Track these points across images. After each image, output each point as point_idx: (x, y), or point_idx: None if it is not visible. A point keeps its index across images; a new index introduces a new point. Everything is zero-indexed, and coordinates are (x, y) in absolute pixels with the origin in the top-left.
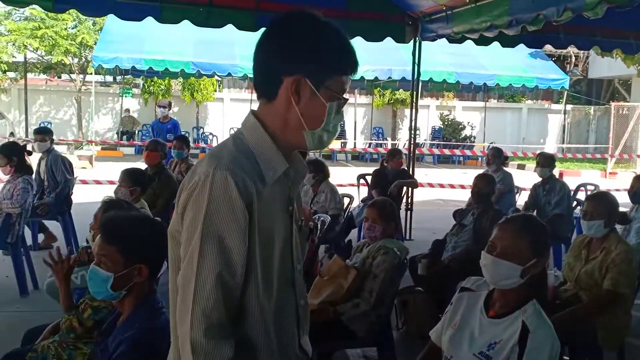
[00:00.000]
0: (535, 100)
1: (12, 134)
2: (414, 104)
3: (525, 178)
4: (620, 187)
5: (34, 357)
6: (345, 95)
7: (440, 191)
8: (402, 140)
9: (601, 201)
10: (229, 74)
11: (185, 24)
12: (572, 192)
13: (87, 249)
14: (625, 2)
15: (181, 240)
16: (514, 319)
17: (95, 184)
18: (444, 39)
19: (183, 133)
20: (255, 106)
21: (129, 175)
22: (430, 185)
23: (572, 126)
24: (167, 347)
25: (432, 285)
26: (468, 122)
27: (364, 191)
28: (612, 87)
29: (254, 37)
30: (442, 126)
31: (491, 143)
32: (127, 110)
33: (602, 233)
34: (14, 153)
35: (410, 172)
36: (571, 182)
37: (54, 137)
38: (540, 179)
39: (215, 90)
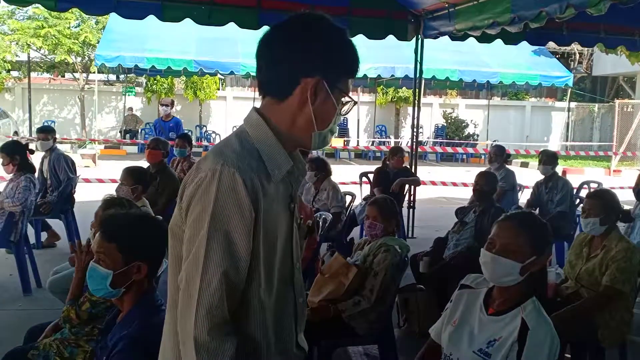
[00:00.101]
0: (538, 98)
1: (16, 132)
2: (416, 101)
3: (529, 176)
4: (625, 185)
5: (36, 354)
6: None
7: (443, 189)
8: (405, 138)
9: (598, 199)
10: (232, 73)
11: (188, 22)
12: (575, 190)
13: None
14: None
15: (184, 237)
16: (513, 316)
17: (98, 182)
18: (447, 37)
19: (185, 131)
20: (258, 104)
21: (131, 174)
22: (433, 183)
23: (576, 124)
24: None
25: (433, 283)
26: (471, 120)
27: (366, 189)
28: (617, 85)
29: (257, 35)
30: (445, 124)
31: (494, 141)
32: (130, 108)
33: (599, 231)
34: (16, 152)
35: (413, 170)
36: (575, 180)
37: (57, 135)
38: (542, 177)
39: (218, 89)
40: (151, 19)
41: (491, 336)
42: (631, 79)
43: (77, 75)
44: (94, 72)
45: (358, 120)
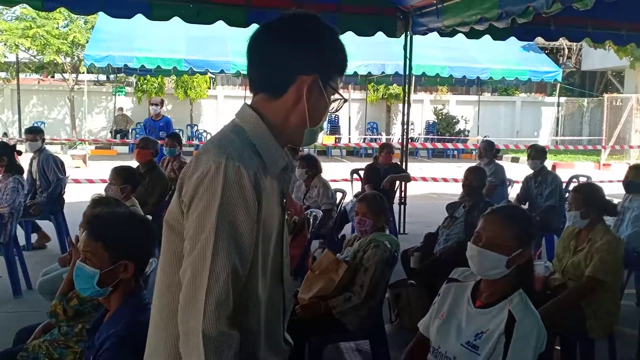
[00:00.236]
0: (528, 93)
1: (5, 134)
2: (406, 98)
3: (519, 171)
4: (614, 179)
5: (25, 356)
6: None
7: (435, 185)
8: (397, 135)
9: (578, 193)
10: (222, 71)
11: (177, 21)
12: (564, 184)
13: None
14: None
15: (185, 231)
16: (500, 308)
17: (88, 183)
18: (436, 33)
19: (176, 131)
20: (249, 102)
21: (119, 173)
22: (424, 179)
23: (566, 118)
24: None
25: (424, 278)
26: (462, 116)
27: (357, 186)
28: (605, 79)
29: (247, 33)
30: (436, 120)
31: (485, 136)
32: (121, 108)
33: (582, 224)
34: (3, 153)
35: (404, 167)
36: (565, 174)
37: (47, 136)
38: (532, 171)
39: (209, 88)
40: (140, 18)
41: (479, 329)
42: (619, 74)
43: (66, 75)
44: (83, 73)
45: (349, 117)
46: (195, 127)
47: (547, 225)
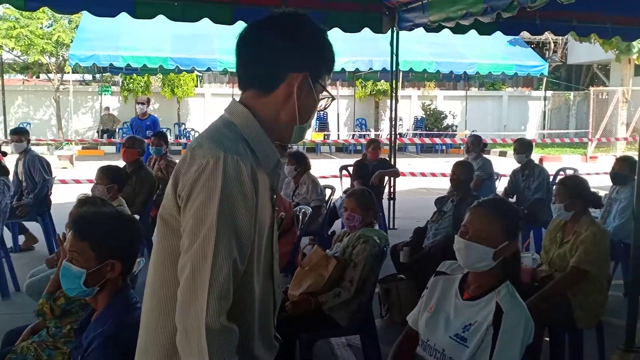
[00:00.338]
0: (515, 88)
1: None
2: (393, 94)
3: (507, 165)
4: (600, 171)
5: (13, 358)
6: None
7: (423, 180)
8: (385, 131)
9: (562, 186)
10: (209, 69)
11: (162, 19)
12: (551, 177)
13: None
14: None
15: (183, 226)
16: (488, 300)
17: (75, 183)
18: (422, 29)
19: (163, 129)
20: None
21: (106, 173)
22: (413, 174)
23: (553, 112)
24: None
25: (414, 272)
26: (450, 111)
27: (346, 182)
28: (591, 73)
29: (233, 30)
30: (424, 116)
31: (473, 131)
32: (107, 108)
33: (567, 216)
34: None
35: (393, 162)
36: (552, 168)
37: (33, 137)
38: (519, 165)
39: (196, 86)
40: (124, 16)
41: (467, 321)
42: (605, 67)
43: (51, 75)
44: (68, 72)
45: (338, 114)
46: (183, 125)
47: (534, 218)
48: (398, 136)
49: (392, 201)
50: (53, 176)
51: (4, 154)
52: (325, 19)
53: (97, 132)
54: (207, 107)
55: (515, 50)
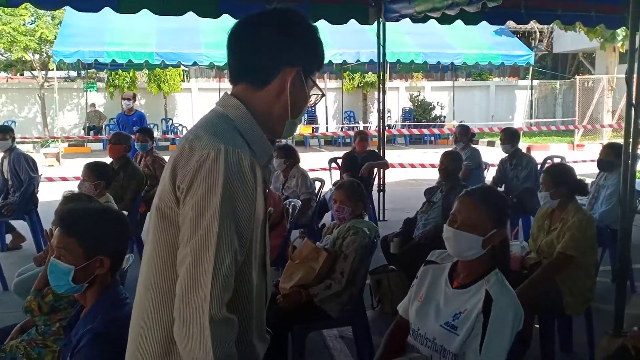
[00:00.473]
0: (502, 78)
1: None
2: (381, 85)
3: (495, 154)
4: (587, 159)
5: (2, 357)
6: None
7: (413, 171)
8: (374, 123)
9: (547, 174)
10: (195, 63)
11: (146, 13)
12: (539, 166)
13: None
14: None
15: (183, 217)
16: (477, 288)
17: (61, 181)
18: (408, 19)
19: (149, 125)
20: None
21: (92, 169)
22: (402, 165)
23: (539, 101)
24: None
25: (404, 263)
26: (437, 102)
27: (336, 175)
28: (577, 61)
29: (219, 24)
30: (412, 107)
31: (461, 121)
32: (93, 105)
33: (553, 204)
34: None
35: (381, 154)
36: (540, 156)
37: (18, 135)
38: (507, 155)
39: (183, 81)
40: (108, 11)
41: (457, 309)
42: (590, 55)
43: (35, 73)
44: (52, 69)
45: (326, 107)
46: (170, 121)
47: (523, 206)
48: (387, 128)
49: (381, 193)
50: (39, 174)
51: None
52: (312, 10)
53: (84, 129)
54: (194, 102)
55: (502, 40)
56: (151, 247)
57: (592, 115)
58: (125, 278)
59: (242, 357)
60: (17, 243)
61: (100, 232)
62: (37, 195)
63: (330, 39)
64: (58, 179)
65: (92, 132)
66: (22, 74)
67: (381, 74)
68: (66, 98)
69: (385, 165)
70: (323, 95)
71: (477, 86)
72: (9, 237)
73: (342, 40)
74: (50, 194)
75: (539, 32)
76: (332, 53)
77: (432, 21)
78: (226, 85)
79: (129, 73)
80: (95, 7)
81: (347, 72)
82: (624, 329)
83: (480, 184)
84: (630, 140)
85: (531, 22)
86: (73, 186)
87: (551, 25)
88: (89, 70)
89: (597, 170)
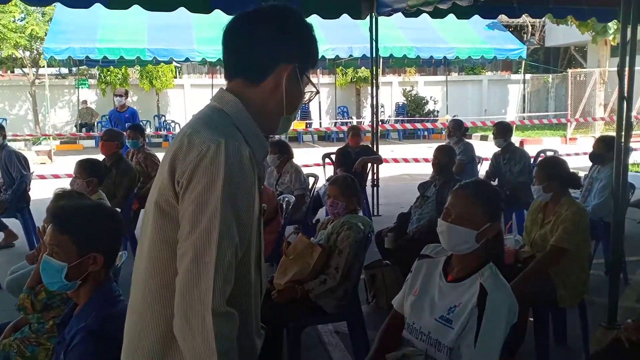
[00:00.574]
0: (495, 72)
1: None
2: (374, 80)
3: (489, 148)
4: (580, 152)
5: None
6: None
7: (407, 166)
8: (367, 118)
9: (540, 167)
10: (187, 59)
11: (138, 9)
12: (532, 159)
13: None
14: None
15: (182, 212)
16: (472, 282)
17: (53, 178)
18: (400, 14)
19: (142, 122)
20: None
21: (84, 166)
22: (395, 160)
23: (532, 95)
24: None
25: (399, 257)
26: (431, 97)
27: (330, 170)
28: (569, 55)
29: (211, 19)
30: (405, 102)
31: (454, 116)
32: (85, 101)
33: (546, 197)
34: None
35: (375, 149)
36: (533, 150)
37: (9, 133)
38: (500, 149)
39: (175, 77)
40: (99, 7)
41: (451, 302)
42: (582, 49)
43: (26, 70)
44: (43, 66)
45: (319, 102)
46: (163, 117)
47: (517, 200)
48: (380, 123)
49: (375, 188)
50: (31, 171)
51: None
52: (304, 5)
53: (75, 126)
54: (187, 98)
55: (494, 34)
56: (149, 243)
57: (584, 109)
58: (118, 275)
59: (244, 352)
60: (10, 241)
61: (93, 229)
62: (29, 193)
63: (322, 34)
64: (50, 177)
65: (84, 129)
66: (12, 71)
67: (374, 69)
68: (57, 95)
69: (379, 160)
70: (317, 92)
71: (470, 80)
72: (0, 235)
73: (334, 35)
74: (42, 192)
75: (531, 25)
76: (325, 48)
77: (425, 15)
78: (219, 81)
79: (120, 69)
80: (85, 3)
81: (340, 67)
82: (617, 321)
83: (474, 178)
84: (622, 133)
85: (523, 15)
86: (65, 184)
87: (543, 18)
88: (80, 67)
89: (590, 163)
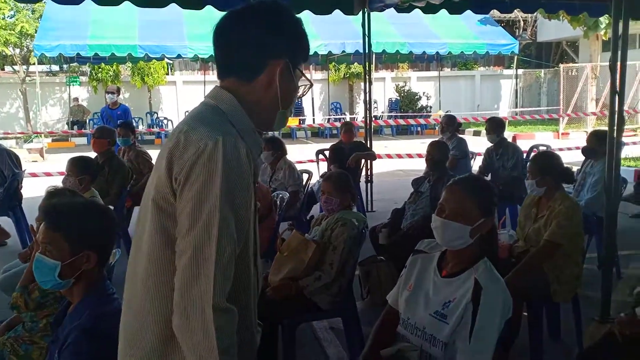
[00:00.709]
0: (487, 67)
1: None
2: (367, 76)
3: (482, 143)
4: (572, 146)
5: None
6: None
7: (400, 162)
8: (360, 114)
9: (533, 162)
10: (179, 56)
11: (128, 6)
12: (525, 154)
13: None
14: None
15: (180, 209)
16: (466, 277)
17: (45, 176)
18: (393, 10)
19: (134, 119)
20: (209, 88)
21: (76, 164)
22: (389, 156)
23: (524, 90)
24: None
25: (393, 253)
26: (423, 92)
27: (323, 167)
28: (561, 50)
29: (203, 15)
30: (398, 98)
31: (447, 111)
32: (76, 99)
33: (540, 192)
34: None
35: (368, 145)
36: (525, 145)
37: (0, 131)
38: (492, 144)
39: (167, 74)
40: (89, 4)
41: (446, 298)
42: (574, 43)
43: (16, 67)
44: (34, 64)
45: (312, 98)
46: (155, 114)
47: (510, 195)
48: (373, 119)
49: (369, 184)
50: (23, 170)
51: None
52: (296, 1)
53: (67, 123)
54: (179, 95)
55: (486, 30)
56: (146, 240)
57: (576, 104)
58: (112, 273)
59: (243, 345)
60: (2, 240)
61: (86, 227)
62: (21, 191)
63: (315, 30)
64: (42, 175)
65: (75, 127)
66: (2, 69)
67: (367, 65)
68: (49, 92)
69: (373, 157)
70: (311, 85)
71: (463, 76)
72: None
73: (327, 31)
74: (34, 190)
75: (523, 20)
76: (318, 44)
77: (417, 11)
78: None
79: (112, 66)
80: None
81: (333, 63)
82: (610, 316)
83: (468, 174)
84: (615, 127)
85: (515, 10)
86: (57, 181)
87: (535, 13)
88: (71, 64)
89: (583, 158)
